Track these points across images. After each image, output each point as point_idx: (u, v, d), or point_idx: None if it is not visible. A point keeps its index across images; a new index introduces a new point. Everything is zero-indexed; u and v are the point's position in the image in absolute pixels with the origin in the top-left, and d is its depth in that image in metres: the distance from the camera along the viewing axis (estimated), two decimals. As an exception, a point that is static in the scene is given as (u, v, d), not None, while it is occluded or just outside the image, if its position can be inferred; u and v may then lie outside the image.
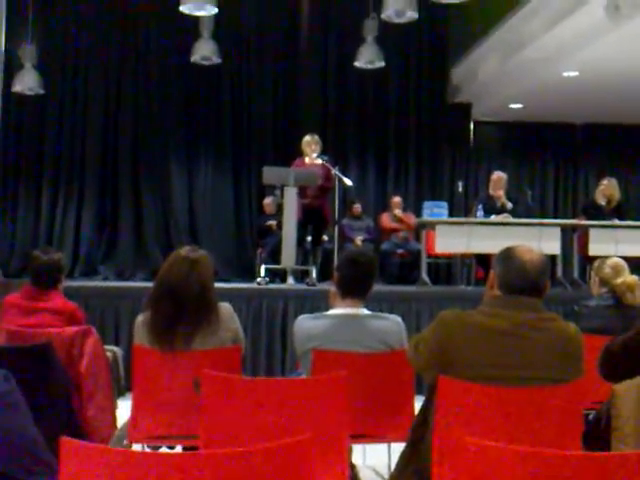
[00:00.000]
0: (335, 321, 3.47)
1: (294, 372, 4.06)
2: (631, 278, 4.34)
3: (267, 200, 10.10)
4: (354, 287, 3.52)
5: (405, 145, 11.50)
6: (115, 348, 5.02)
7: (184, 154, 11.06)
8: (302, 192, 7.88)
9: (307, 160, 8.20)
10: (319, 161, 8.16)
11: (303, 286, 7.89)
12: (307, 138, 8.32)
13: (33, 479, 1.77)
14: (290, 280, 8.04)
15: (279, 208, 8.51)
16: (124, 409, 3.85)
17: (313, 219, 8.24)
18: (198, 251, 3.54)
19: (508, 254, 2.69)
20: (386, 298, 7.30)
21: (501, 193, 8.88)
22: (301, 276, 8.96)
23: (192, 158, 11.10)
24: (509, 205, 8.84)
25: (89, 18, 10.76)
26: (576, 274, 8.89)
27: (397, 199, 10.50)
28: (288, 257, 7.67)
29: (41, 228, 10.68)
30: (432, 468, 2.51)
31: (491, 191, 8.99)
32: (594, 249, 8.34)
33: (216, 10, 8.07)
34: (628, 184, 11.60)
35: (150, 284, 3.76)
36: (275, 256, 8.43)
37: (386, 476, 3.50)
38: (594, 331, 3.85)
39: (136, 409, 3.42)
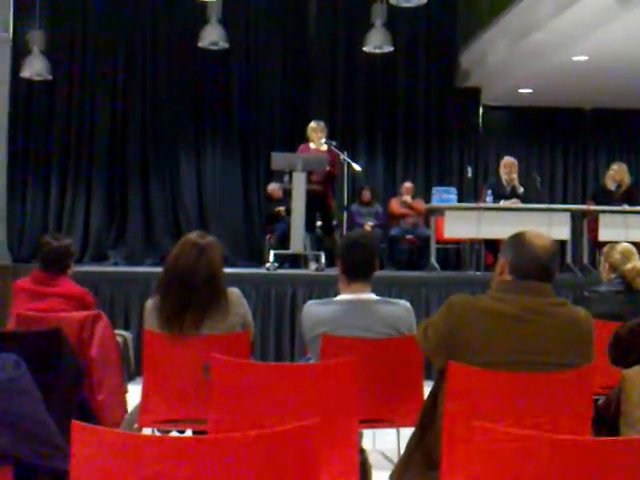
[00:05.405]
0: (344, 307, 3.46)
1: (303, 357, 4.07)
2: (641, 264, 4.33)
3: (272, 186, 10.01)
4: (357, 270, 3.49)
5: (414, 130, 11.47)
6: (125, 332, 5.06)
7: (192, 140, 11.07)
8: (307, 177, 7.78)
9: (312, 146, 8.15)
10: (324, 147, 8.11)
11: (312, 272, 7.89)
12: (313, 124, 8.26)
13: (45, 463, 1.79)
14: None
15: (287, 194, 8.48)
16: (134, 393, 3.87)
17: (316, 205, 8.08)
18: (207, 236, 3.54)
19: (519, 239, 2.67)
20: (395, 283, 7.30)
21: (514, 176, 8.83)
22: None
23: (200, 143, 11.11)
24: (521, 189, 8.79)
25: (97, 3, 10.74)
26: (586, 260, 8.87)
27: (408, 185, 10.45)
28: (297, 243, 7.66)
29: (50, 214, 10.71)
30: (441, 452, 2.51)
31: (503, 175, 8.92)
32: (604, 234, 8.31)
33: (224, -5, 8.07)
34: (638, 169, 11.54)
35: (159, 269, 3.77)
36: (284, 242, 8.41)
37: (395, 460, 3.51)
38: (604, 316, 3.84)
39: (146, 393, 3.43)
